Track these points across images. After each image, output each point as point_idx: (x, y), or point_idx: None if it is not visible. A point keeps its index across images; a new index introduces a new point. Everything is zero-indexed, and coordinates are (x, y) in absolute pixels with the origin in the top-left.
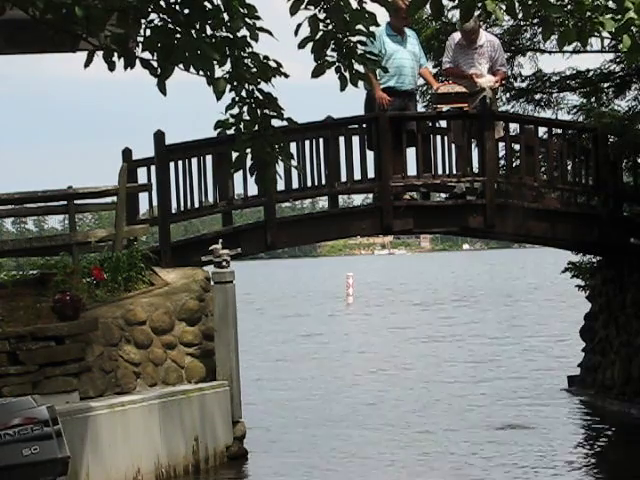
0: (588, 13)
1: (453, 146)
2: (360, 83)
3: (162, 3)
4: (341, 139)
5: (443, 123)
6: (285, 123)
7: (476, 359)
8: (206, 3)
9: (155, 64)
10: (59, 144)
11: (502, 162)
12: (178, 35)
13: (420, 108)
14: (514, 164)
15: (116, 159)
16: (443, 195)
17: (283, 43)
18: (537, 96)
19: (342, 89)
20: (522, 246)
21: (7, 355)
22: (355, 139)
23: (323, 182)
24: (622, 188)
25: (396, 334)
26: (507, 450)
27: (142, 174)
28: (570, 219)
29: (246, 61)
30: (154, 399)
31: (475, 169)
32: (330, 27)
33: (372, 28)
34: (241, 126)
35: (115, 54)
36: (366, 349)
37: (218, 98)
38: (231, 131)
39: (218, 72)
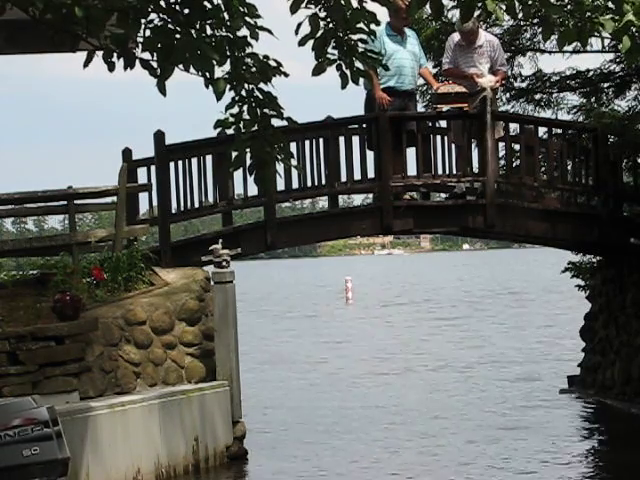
0: (588, 13)
1: (453, 146)
2: (360, 83)
3: (162, 3)
4: (341, 139)
5: (443, 123)
6: (285, 123)
7: (476, 359)
8: (206, 3)
9: (155, 64)
10: (59, 144)
11: (502, 162)
12: (178, 35)
13: (420, 108)
14: (514, 164)
15: (116, 159)
16: (443, 195)
17: (283, 42)
18: (537, 96)
19: (343, 87)
20: (522, 246)
21: (7, 355)
22: (355, 139)
23: (323, 182)
24: (622, 188)
25: (396, 334)
26: (507, 450)
27: (142, 174)
28: (570, 219)
29: (246, 61)
30: (154, 399)
31: (475, 169)
32: (331, 25)
33: (372, 27)
34: (241, 125)
35: (115, 54)
36: (366, 350)
37: (218, 98)
38: (231, 130)
39: (218, 72)
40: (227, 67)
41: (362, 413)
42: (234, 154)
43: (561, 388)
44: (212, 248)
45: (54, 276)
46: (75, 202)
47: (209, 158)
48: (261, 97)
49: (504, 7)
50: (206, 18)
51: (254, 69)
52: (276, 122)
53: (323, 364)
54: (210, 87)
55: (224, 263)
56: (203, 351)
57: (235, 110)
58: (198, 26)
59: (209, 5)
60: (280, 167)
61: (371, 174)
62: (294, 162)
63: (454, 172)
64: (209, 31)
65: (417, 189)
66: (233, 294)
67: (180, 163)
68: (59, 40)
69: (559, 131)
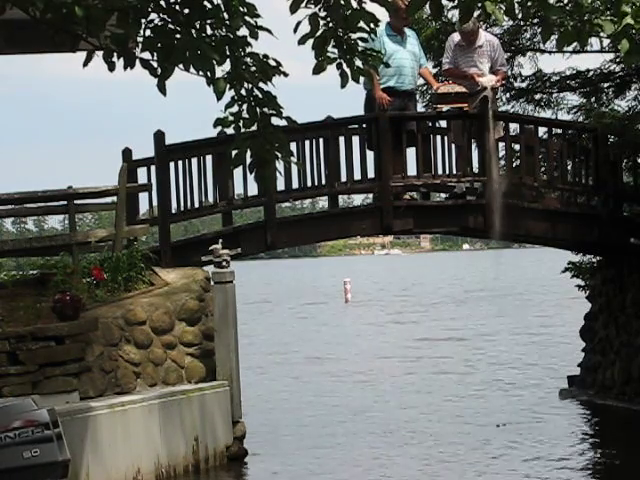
0: (587, 16)
1: (453, 146)
2: (360, 82)
3: (162, 3)
4: (341, 139)
5: (443, 123)
6: (284, 122)
7: (475, 359)
8: (206, 3)
9: (155, 64)
10: (59, 144)
11: (502, 162)
12: (178, 35)
13: (420, 108)
14: (514, 164)
15: (116, 159)
16: (443, 195)
17: (282, 42)
18: (537, 96)
19: (343, 86)
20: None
21: (7, 355)
22: (355, 139)
23: (323, 182)
24: (622, 188)
25: (396, 335)
26: (506, 450)
27: (142, 174)
28: (570, 219)
29: (246, 60)
30: (154, 399)
31: (475, 169)
32: (330, 25)
33: (372, 26)
34: (240, 124)
35: (115, 54)
36: (366, 350)
37: (218, 98)
38: (230, 129)
39: (218, 72)
40: (227, 67)
41: (362, 413)
42: (234, 152)
43: (561, 388)
44: (212, 248)
45: (54, 276)
46: (75, 202)
47: (209, 158)
48: (261, 96)
49: (503, 8)
50: (206, 18)
51: (254, 68)
52: (276, 122)
53: (323, 364)
54: (211, 86)
55: (224, 263)
56: (203, 351)
57: (235, 109)
58: (198, 26)
59: (209, 5)
60: (280, 166)
61: (371, 174)
62: (294, 159)
63: (454, 172)
64: (209, 31)
65: (417, 189)
66: (233, 294)
67: (180, 163)
68: (59, 40)
69: (559, 131)
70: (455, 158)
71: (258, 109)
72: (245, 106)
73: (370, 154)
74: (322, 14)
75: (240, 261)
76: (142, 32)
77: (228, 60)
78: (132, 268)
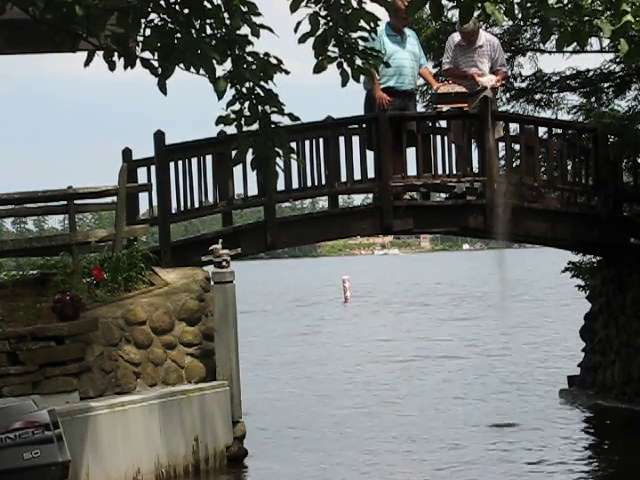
0: (586, 17)
1: (453, 146)
2: (360, 81)
3: (162, 3)
4: (341, 139)
5: (443, 123)
6: (286, 119)
7: (475, 359)
8: (206, 3)
9: (155, 63)
10: (59, 144)
11: (502, 162)
12: (178, 35)
13: (420, 108)
14: (514, 164)
15: (116, 159)
16: (443, 195)
17: (283, 43)
18: (537, 96)
19: (343, 85)
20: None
21: (7, 355)
22: (355, 139)
23: (323, 182)
24: (622, 188)
25: (395, 335)
26: (506, 450)
27: (142, 174)
28: (570, 219)
29: (247, 59)
30: (154, 399)
31: (475, 169)
32: (331, 24)
33: (372, 26)
34: (242, 122)
35: (115, 54)
36: (365, 350)
37: (219, 97)
38: (232, 127)
39: (219, 71)
40: (228, 65)
41: (362, 413)
42: (236, 150)
43: (561, 388)
44: (212, 248)
45: (54, 276)
46: (75, 202)
47: (209, 158)
48: (262, 94)
49: (503, 8)
50: (206, 18)
51: (254, 67)
52: (278, 119)
53: (323, 364)
54: (209, 87)
55: (224, 263)
56: (203, 351)
57: (237, 107)
58: (198, 26)
59: (209, 5)
60: (280, 164)
61: (371, 174)
62: (294, 156)
63: (454, 172)
64: (209, 31)
65: (417, 189)
66: (233, 294)
67: (180, 163)
68: (59, 40)
69: (559, 131)
70: (455, 158)
71: (260, 107)
72: (247, 104)
73: (370, 154)
74: (322, 13)
75: (240, 261)
76: (142, 32)
77: (229, 59)
78: (132, 268)
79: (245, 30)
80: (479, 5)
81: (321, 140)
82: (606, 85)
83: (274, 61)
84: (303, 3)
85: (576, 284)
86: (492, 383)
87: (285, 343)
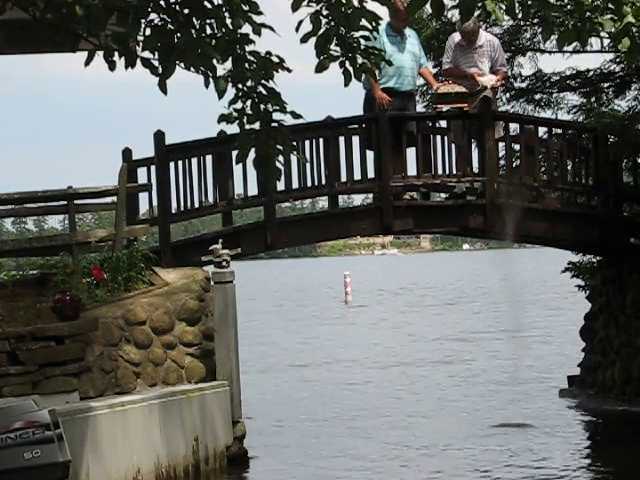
0: (588, 14)
1: (453, 146)
2: (361, 80)
3: (162, 3)
4: (341, 139)
5: (443, 123)
6: (289, 117)
7: (475, 359)
8: (206, 3)
9: (156, 63)
10: (59, 144)
11: (502, 162)
12: (178, 35)
13: (420, 108)
14: (514, 164)
15: (116, 159)
16: (443, 195)
17: (283, 42)
18: (537, 96)
19: (346, 84)
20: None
21: (7, 355)
22: (355, 139)
23: (323, 182)
24: (622, 188)
25: (395, 334)
26: (506, 450)
27: (142, 174)
28: (570, 219)
29: (248, 58)
30: (154, 399)
31: (475, 169)
32: (332, 23)
33: (374, 24)
34: (244, 120)
35: (116, 53)
36: (366, 350)
37: (219, 97)
38: (232, 127)
39: (219, 70)
40: (229, 64)
41: (363, 413)
42: (238, 149)
43: (561, 388)
44: (212, 248)
45: (54, 276)
46: (75, 202)
47: (209, 158)
48: (265, 93)
49: (504, 7)
50: (206, 18)
51: (255, 66)
52: (280, 117)
53: (323, 365)
54: (209, 87)
55: (224, 263)
56: (203, 351)
57: (239, 105)
58: (198, 26)
59: (209, 5)
60: (280, 166)
61: (371, 174)
62: (295, 154)
63: (454, 172)
64: (209, 31)
65: (417, 189)
66: (233, 294)
67: (180, 163)
68: (59, 40)
69: (559, 131)
70: (455, 158)
71: (262, 105)
72: (249, 102)
73: (370, 154)
74: (324, 12)
75: (240, 261)
76: (142, 31)
77: (230, 58)
78: (132, 268)
79: (246, 29)
80: (479, 4)
81: (321, 140)
82: (606, 85)
83: (275, 60)
84: (304, 2)
85: (576, 284)
86: (492, 383)
87: (285, 343)
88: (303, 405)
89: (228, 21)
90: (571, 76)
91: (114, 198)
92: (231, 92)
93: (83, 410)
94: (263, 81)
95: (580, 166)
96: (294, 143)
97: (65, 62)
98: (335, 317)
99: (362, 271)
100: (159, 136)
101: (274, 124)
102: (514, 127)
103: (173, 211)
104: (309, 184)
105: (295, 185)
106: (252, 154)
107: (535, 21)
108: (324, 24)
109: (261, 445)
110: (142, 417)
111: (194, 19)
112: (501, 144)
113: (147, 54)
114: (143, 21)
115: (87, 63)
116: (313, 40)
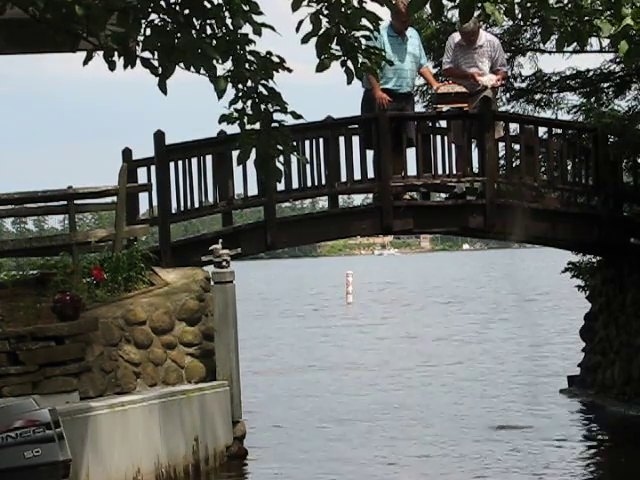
0: (586, 17)
1: (453, 146)
2: (359, 82)
3: (162, 3)
4: (341, 139)
5: (443, 123)
6: (289, 117)
7: (475, 359)
8: (206, 3)
9: (156, 63)
10: (59, 144)
11: (502, 162)
12: (178, 35)
13: (420, 108)
14: (514, 164)
15: (116, 159)
16: (443, 195)
17: (283, 43)
18: (537, 96)
19: (349, 82)
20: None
21: (7, 355)
22: (355, 139)
23: (323, 182)
24: (622, 188)
25: (395, 334)
26: (506, 450)
27: (142, 174)
28: (570, 219)
29: (248, 58)
30: (154, 399)
31: (475, 169)
32: (333, 23)
33: (375, 24)
34: (245, 120)
35: (115, 53)
36: (366, 350)
37: (219, 97)
38: (233, 127)
39: (220, 70)
40: (229, 64)
41: (363, 414)
42: (239, 149)
43: (561, 388)
44: (212, 248)
45: (54, 276)
46: (75, 202)
47: (209, 158)
48: (265, 93)
49: (503, 8)
50: (206, 18)
51: (255, 66)
52: (281, 117)
53: (323, 365)
54: (210, 87)
55: (224, 263)
56: (203, 351)
57: (239, 105)
58: (198, 26)
59: (209, 5)
60: (280, 166)
61: (371, 174)
62: (296, 154)
63: (454, 172)
64: (209, 31)
65: (417, 189)
66: (233, 294)
67: (180, 163)
68: (59, 40)
69: (559, 131)
70: (455, 158)
71: (262, 106)
72: (250, 102)
73: (370, 154)
74: (324, 12)
75: (240, 261)
76: (142, 31)
77: (230, 58)
78: (132, 268)
79: (246, 29)
80: (479, 5)
81: (321, 140)
82: (606, 85)
83: (276, 60)
84: (304, 2)
85: (576, 284)
86: (492, 383)
87: (285, 343)
88: (301, 404)
89: (228, 21)
90: (571, 76)
91: (114, 198)
92: (231, 92)
93: (83, 410)
94: (263, 81)
95: (580, 166)
96: (294, 143)
97: (65, 62)
98: (335, 317)
99: (362, 271)
100: (159, 136)
101: (275, 124)
102: (514, 127)
103: (173, 211)
104: (309, 184)
105: (295, 185)
106: (253, 154)
107: (535, 21)
108: (324, 24)
109: (260, 444)
110: (142, 417)
111: (194, 19)
112: (501, 144)
113: (147, 54)
114: (143, 21)
115: (85, 62)
116: (314, 40)
